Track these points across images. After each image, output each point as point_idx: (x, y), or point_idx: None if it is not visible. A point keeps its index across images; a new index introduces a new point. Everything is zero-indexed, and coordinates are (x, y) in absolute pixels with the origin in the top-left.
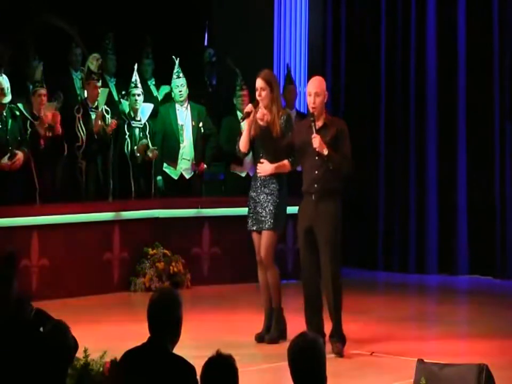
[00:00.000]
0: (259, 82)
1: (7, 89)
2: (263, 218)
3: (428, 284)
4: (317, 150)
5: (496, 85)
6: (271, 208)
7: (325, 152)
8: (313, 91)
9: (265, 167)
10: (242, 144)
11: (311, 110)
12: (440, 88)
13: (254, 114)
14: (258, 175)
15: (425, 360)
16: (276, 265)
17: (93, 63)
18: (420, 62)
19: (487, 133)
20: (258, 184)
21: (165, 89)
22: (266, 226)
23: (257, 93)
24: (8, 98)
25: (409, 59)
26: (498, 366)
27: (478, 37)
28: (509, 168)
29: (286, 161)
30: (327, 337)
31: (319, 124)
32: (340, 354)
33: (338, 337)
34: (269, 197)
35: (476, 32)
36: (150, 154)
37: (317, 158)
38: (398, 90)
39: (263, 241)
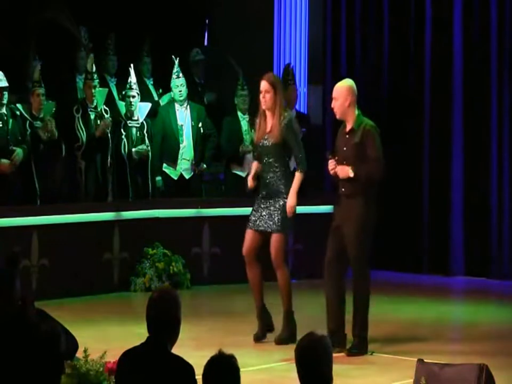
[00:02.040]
0: (264, 85)
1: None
2: (271, 220)
3: (426, 284)
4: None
5: (493, 83)
6: (280, 209)
7: (351, 175)
8: (333, 95)
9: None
10: (249, 183)
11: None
12: (438, 87)
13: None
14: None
15: (425, 360)
16: (286, 267)
17: (89, 62)
18: (419, 61)
19: (484, 132)
20: (264, 184)
21: (167, 97)
22: (276, 228)
23: (261, 95)
24: (3, 83)
25: (409, 59)
26: (498, 366)
27: (476, 36)
28: (507, 168)
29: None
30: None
31: (348, 127)
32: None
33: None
34: (277, 198)
35: (475, 31)
36: (143, 151)
37: (344, 162)
38: (397, 91)
39: (272, 243)
